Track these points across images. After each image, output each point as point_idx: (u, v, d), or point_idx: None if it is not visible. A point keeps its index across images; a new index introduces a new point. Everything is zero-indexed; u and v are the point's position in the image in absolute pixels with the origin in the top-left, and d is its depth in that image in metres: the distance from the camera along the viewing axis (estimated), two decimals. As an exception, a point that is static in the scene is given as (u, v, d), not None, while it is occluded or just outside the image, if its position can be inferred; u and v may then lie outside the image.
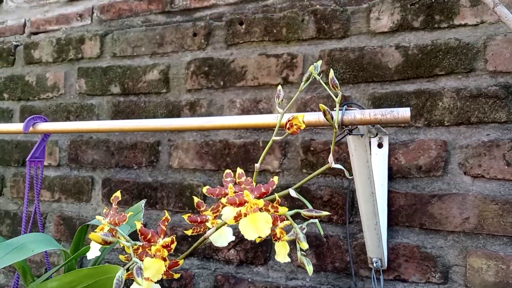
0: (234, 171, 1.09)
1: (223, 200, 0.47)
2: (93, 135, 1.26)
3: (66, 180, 1.28)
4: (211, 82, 1.14)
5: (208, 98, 1.14)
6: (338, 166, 0.47)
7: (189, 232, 0.56)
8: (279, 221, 0.47)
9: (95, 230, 0.49)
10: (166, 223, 0.50)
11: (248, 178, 0.46)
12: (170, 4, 1.24)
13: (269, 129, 1.06)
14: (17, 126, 0.81)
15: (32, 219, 0.90)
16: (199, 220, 0.54)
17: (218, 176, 1.10)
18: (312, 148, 1.01)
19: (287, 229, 0.47)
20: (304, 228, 0.43)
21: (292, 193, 0.45)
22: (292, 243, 0.99)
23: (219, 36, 1.14)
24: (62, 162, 1.30)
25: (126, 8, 1.31)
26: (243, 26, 1.11)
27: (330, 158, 0.47)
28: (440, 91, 0.92)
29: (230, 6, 1.16)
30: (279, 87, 0.57)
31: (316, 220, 0.42)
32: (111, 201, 0.53)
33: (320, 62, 0.55)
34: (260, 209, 0.43)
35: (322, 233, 0.42)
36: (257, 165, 0.54)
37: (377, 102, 0.96)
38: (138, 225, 0.47)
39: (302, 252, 0.41)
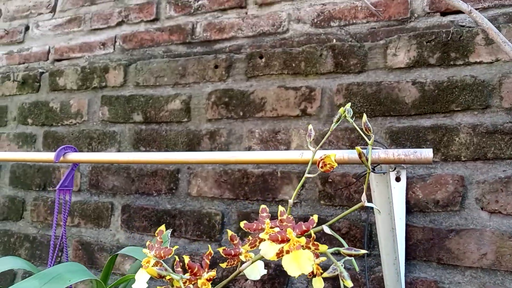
0: (252, 201, 1.11)
1: (263, 235, 0.49)
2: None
3: (86, 205, 1.31)
4: (231, 112, 1.17)
5: (227, 128, 1.17)
6: (371, 205, 0.49)
7: (224, 265, 0.58)
8: (314, 258, 0.49)
9: (142, 263, 0.52)
10: (210, 257, 0.53)
11: (289, 216, 0.49)
12: (191, 36, 1.29)
13: (287, 159, 1.09)
14: (49, 156, 0.84)
15: (59, 245, 0.93)
16: (233, 253, 0.56)
17: (236, 205, 1.12)
18: (330, 180, 1.03)
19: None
20: (342, 265, 0.45)
21: (326, 229, 0.47)
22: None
23: (239, 69, 1.18)
24: (82, 188, 1.33)
25: (148, 38, 1.36)
26: (263, 60, 1.15)
27: (364, 197, 0.49)
28: (457, 127, 0.94)
29: (249, 39, 1.20)
30: (310, 126, 0.60)
31: (352, 258, 0.44)
32: (156, 234, 0.55)
33: (349, 105, 0.57)
34: (302, 247, 0.45)
35: (357, 269, 0.43)
36: (290, 201, 0.56)
37: (394, 136, 0.99)
38: (186, 259, 0.50)
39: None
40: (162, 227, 0.56)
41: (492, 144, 0.90)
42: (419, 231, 0.94)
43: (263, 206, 0.55)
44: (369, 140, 0.53)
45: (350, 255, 0.45)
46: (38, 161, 0.89)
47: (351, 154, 0.59)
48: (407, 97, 0.99)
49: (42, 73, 1.50)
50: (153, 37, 1.36)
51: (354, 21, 1.09)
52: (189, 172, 1.19)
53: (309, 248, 0.46)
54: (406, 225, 0.94)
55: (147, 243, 0.54)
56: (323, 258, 0.46)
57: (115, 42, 1.43)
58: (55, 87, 1.46)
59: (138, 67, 1.32)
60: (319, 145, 0.58)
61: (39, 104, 1.48)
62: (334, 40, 1.09)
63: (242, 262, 0.56)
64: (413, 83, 0.99)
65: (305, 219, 0.52)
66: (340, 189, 1.02)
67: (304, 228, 0.46)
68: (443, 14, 1.00)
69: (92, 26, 1.47)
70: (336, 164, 0.52)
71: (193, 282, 0.50)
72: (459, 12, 0.98)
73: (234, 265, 0.57)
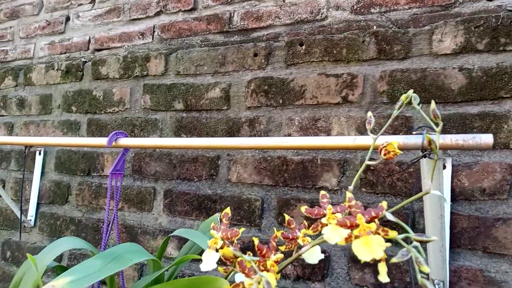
0: (292, 187, 1.12)
1: (324, 220, 0.50)
2: (157, 148, 1.33)
3: (129, 190, 1.36)
4: (270, 100, 1.18)
5: (267, 116, 1.18)
6: (436, 192, 0.49)
7: (282, 248, 0.59)
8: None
9: (209, 245, 0.54)
10: (276, 239, 0.55)
11: (358, 202, 0.49)
12: (228, 25, 1.30)
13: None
14: (101, 141, 0.88)
15: (110, 228, 0.97)
16: (291, 237, 0.57)
17: (276, 191, 1.14)
18: (372, 167, 1.03)
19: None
20: (409, 252, 0.45)
21: (389, 216, 0.47)
22: (346, 260, 1.01)
23: (279, 56, 1.19)
24: (126, 173, 1.38)
25: (186, 28, 1.38)
26: (303, 47, 1.15)
27: (429, 184, 0.49)
28: (506, 114, 0.92)
29: (287, 27, 1.20)
30: (369, 113, 0.60)
31: (418, 244, 0.44)
32: (222, 217, 0.57)
33: (411, 92, 0.57)
34: (372, 232, 0.46)
35: (423, 255, 0.43)
36: (350, 188, 0.57)
37: (439, 124, 0.97)
38: (256, 241, 0.52)
39: (423, 275, 0.43)
40: (227, 209, 0.58)
41: (544, 132, 0.88)
42: (464, 219, 0.93)
43: (323, 192, 0.56)
44: (437, 127, 0.53)
45: (421, 241, 0.45)
46: (91, 146, 0.93)
47: (406, 140, 0.59)
48: (454, 83, 0.98)
49: (84, 62, 1.55)
50: (191, 26, 1.37)
51: (395, 7, 1.07)
52: (228, 159, 1.22)
53: (379, 233, 0.46)
54: (451, 213, 0.93)
55: (212, 224, 0.56)
56: (387, 244, 0.46)
57: (154, 32, 1.45)
58: (98, 76, 1.50)
59: (179, 56, 1.34)
60: (380, 132, 0.58)
61: (83, 92, 1.53)
62: (375, 27, 1.08)
63: (300, 246, 0.58)
64: (460, 70, 0.97)
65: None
66: (380, 174, 1.01)
67: (373, 214, 0.47)
68: (492, -2, 0.97)
69: (131, 16, 1.50)
70: (400, 152, 0.53)
71: (261, 263, 0.51)
72: (510, -5, 0.94)
73: (291, 248, 0.59)
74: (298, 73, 1.15)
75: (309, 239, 0.57)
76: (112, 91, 1.46)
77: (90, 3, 1.62)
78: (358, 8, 1.11)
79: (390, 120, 0.59)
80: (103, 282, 1.33)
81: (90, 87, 1.52)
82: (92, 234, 1.40)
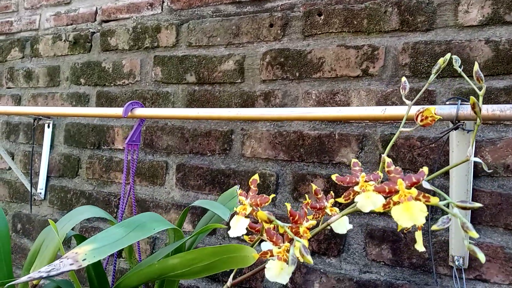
0: (308, 162, 1.10)
1: (356, 188, 0.48)
2: (168, 122, 1.31)
3: (141, 164, 1.34)
4: (286, 73, 1.15)
5: (282, 89, 1.15)
6: (477, 159, 0.47)
7: (310, 217, 0.58)
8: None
9: (237, 211, 0.52)
10: (308, 206, 0.53)
11: (397, 167, 0.47)
12: (242, -6, 1.25)
13: (345, 121, 1.06)
14: (117, 111, 0.85)
15: (127, 199, 0.95)
16: (318, 206, 0.56)
17: (291, 166, 1.12)
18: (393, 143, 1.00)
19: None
20: (450, 219, 0.43)
21: (426, 184, 0.45)
22: (363, 236, 1.00)
23: (296, 27, 1.15)
24: (136, 147, 1.36)
25: (197, -2, 1.33)
26: (322, 17, 1.11)
27: (470, 151, 0.47)
28: (534, 88, 0.88)
29: (304, -3, 1.16)
30: (404, 78, 0.57)
31: (457, 212, 0.42)
32: (250, 183, 0.55)
33: (449, 55, 0.54)
34: (413, 198, 0.44)
35: (463, 221, 0.42)
36: (384, 155, 0.55)
37: (464, 98, 0.94)
38: (289, 207, 0.50)
39: (471, 241, 0.41)
40: (256, 176, 0.56)
41: None
42: (486, 195, 0.91)
43: (354, 160, 0.54)
44: (480, 91, 0.50)
45: (464, 208, 0.43)
46: (106, 116, 0.91)
47: (440, 110, 0.56)
48: (479, 56, 0.94)
49: (93, 33, 1.51)
50: (203, -4, 1.32)
51: (419, -24, 1.03)
52: (242, 133, 1.19)
53: (419, 200, 0.44)
54: (473, 189, 0.91)
55: (238, 191, 0.54)
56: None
57: (163, 2, 1.41)
58: (107, 47, 1.46)
59: (191, 27, 1.30)
60: (415, 99, 0.56)
61: (91, 64, 1.49)
62: (397, -3, 1.03)
63: (328, 216, 0.56)
64: (487, 42, 0.93)
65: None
66: (401, 150, 0.99)
67: (414, 180, 0.45)
68: (525, -35, 0.93)
69: (139, -14, 1.45)
70: (438, 117, 0.50)
71: (294, 230, 0.50)
72: (544, -37, 0.90)
73: (318, 218, 0.57)
74: (316, 44, 1.12)
75: (337, 209, 0.56)
76: (122, 63, 1.42)
77: (96, -29, 1.57)
78: (379, -23, 1.07)
79: (426, 85, 0.57)
80: (119, 254, 1.33)
81: (99, 59, 1.48)
82: (103, 208, 1.39)
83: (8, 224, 1.59)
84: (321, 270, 1.05)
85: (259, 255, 0.52)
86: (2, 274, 0.75)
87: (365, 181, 0.49)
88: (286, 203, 0.53)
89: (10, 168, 1.67)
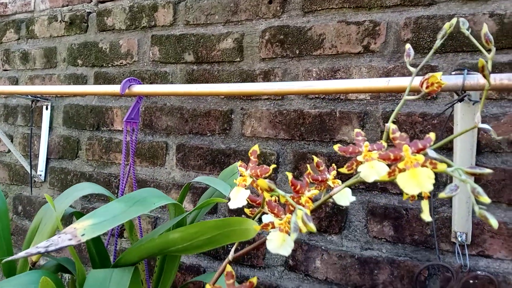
0: (309, 141, 1.09)
1: (360, 158, 0.48)
2: (167, 102, 1.29)
3: (140, 144, 1.33)
4: (286, 50, 1.13)
5: (282, 67, 1.13)
6: (485, 126, 0.46)
7: (313, 189, 0.57)
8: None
9: (236, 182, 0.52)
10: (310, 176, 0.52)
11: (403, 134, 0.46)
12: (241, -29, 1.22)
13: (346, 99, 1.05)
14: (114, 88, 0.84)
15: (127, 177, 0.94)
16: (320, 179, 0.55)
17: (292, 145, 1.11)
18: (394, 120, 0.99)
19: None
20: (458, 187, 0.42)
21: (432, 153, 0.44)
22: (365, 213, 0.99)
23: (295, 3, 1.12)
24: (135, 128, 1.35)
25: (195, -25, 1.30)
26: (322, -7, 1.09)
27: (478, 118, 0.46)
28: (539, 62, 0.87)
29: (304, -28, 1.13)
30: (408, 45, 0.56)
31: (468, 179, 0.41)
32: (249, 154, 0.55)
33: (455, 20, 0.52)
34: (419, 165, 0.43)
35: (473, 186, 0.41)
36: (388, 124, 0.53)
37: (467, 73, 0.92)
38: (290, 176, 0.49)
39: (481, 206, 0.40)
40: (255, 147, 0.55)
41: None
42: (488, 172, 0.90)
43: (357, 130, 0.53)
44: (489, 54, 0.49)
45: (474, 174, 0.42)
46: (103, 93, 0.89)
47: (445, 80, 0.55)
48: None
49: (89, 13, 1.48)
50: (201, -27, 1.29)
51: (422, -51, 1.00)
52: (242, 113, 1.18)
53: (426, 166, 0.43)
54: (476, 165, 0.90)
55: (239, 163, 0.53)
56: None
57: (160, -20, 1.38)
58: (104, 27, 1.44)
59: (188, 5, 1.28)
60: (420, 66, 0.54)
61: (88, 44, 1.47)
62: (399, -29, 1.01)
63: (329, 188, 0.55)
64: (491, 16, 0.91)
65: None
66: (403, 127, 0.98)
67: (420, 146, 0.44)
68: None
69: (136, -37, 1.42)
70: (444, 83, 0.49)
71: (295, 199, 0.49)
72: None
73: (321, 190, 0.56)
74: (316, 21, 1.09)
75: (339, 181, 0.55)
76: (119, 43, 1.40)
77: (92, -51, 1.53)
78: (381, -49, 1.04)
79: (432, 51, 0.55)
80: (120, 234, 1.33)
81: (95, 39, 1.46)
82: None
83: (9, 206, 1.59)
84: (323, 247, 1.05)
85: (261, 227, 0.51)
86: (1, 251, 0.75)
87: (369, 151, 0.48)
88: (287, 172, 0.52)
89: (9, 151, 1.66)
